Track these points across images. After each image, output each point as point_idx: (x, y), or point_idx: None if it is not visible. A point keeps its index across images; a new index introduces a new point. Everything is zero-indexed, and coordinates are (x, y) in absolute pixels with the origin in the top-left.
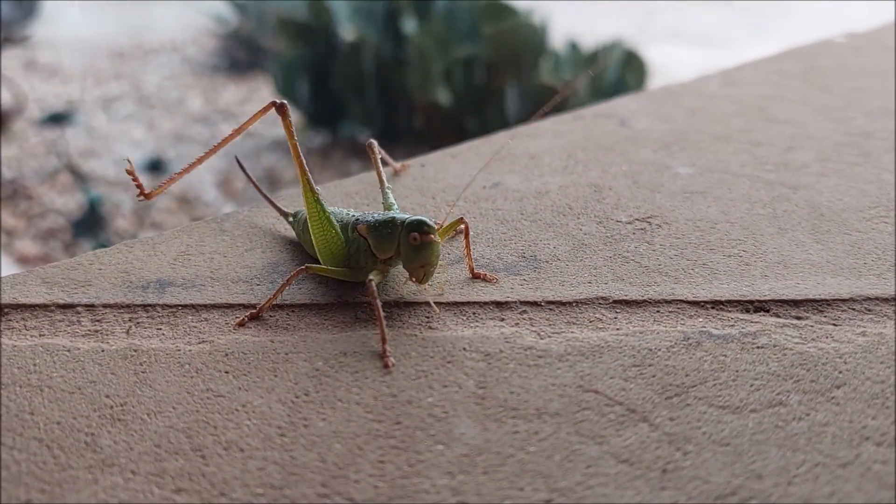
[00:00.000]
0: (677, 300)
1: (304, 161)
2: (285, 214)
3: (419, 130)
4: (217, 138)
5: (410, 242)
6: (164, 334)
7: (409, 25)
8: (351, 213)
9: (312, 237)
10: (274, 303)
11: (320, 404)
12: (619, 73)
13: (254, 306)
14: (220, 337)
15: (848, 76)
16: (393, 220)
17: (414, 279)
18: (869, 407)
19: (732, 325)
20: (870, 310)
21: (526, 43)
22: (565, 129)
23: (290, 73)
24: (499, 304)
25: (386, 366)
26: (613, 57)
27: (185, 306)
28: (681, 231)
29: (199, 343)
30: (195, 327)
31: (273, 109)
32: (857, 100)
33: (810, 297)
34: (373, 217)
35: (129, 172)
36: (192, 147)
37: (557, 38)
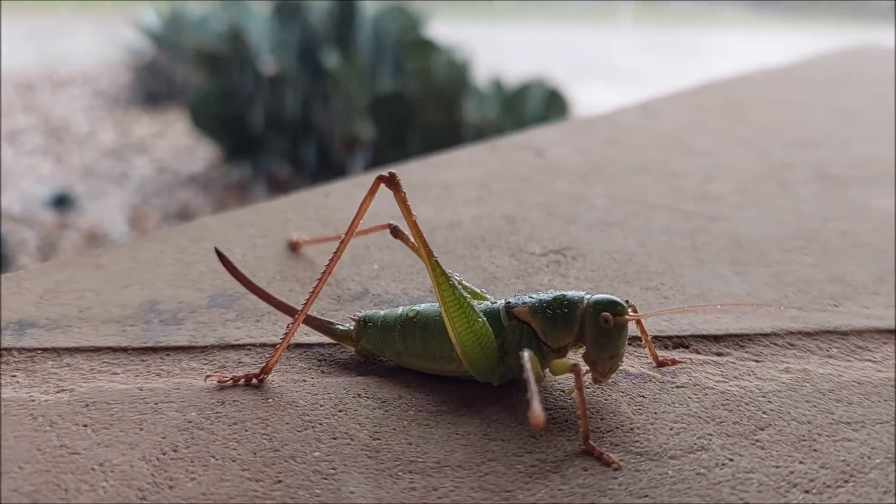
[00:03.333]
0: None
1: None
2: (344, 337)
3: (341, 165)
4: (128, 173)
5: (602, 325)
6: (18, 382)
7: (332, 59)
8: (474, 301)
9: (456, 338)
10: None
11: (190, 461)
12: (541, 110)
13: (124, 349)
14: (82, 385)
15: (764, 109)
16: (566, 299)
17: (596, 373)
18: (796, 450)
19: (651, 363)
20: (792, 344)
21: (449, 79)
22: (480, 160)
23: (207, 107)
24: None
25: (609, 462)
26: (535, 95)
27: (45, 350)
28: (596, 263)
29: (58, 392)
30: (55, 374)
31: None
32: (774, 132)
33: (731, 331)
34: (530, 297)
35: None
36: (102, 182)
37: (481, 76)
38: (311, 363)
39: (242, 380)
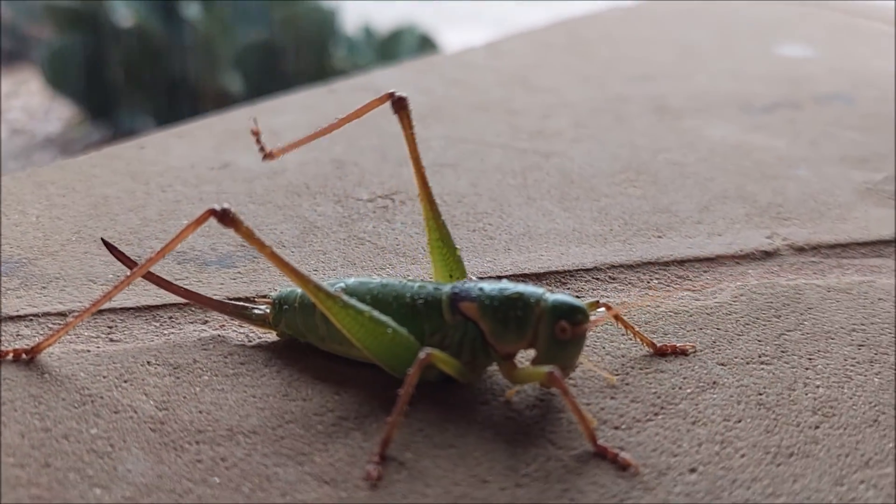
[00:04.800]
0: None
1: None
2: (261, 322)
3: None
4: None
5: (557, 335)
6: None
7: (192, 9)
8: (413, 284)
9: (362, 347)
10: (399, 420)
11: None
12: (413, 56)
13: None
14: None
15: (609, 46)
16: (522, 299)
17: (541, 383)
18: (608, 386)
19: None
20: (614, 278)
21: (317, 27)
22: (315, 103)
23: (61, 64)
24: None
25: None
26: (407, 41)
27: None
28: None
29: None
30: None
31: None
32: (616, 68)
33: (553, 268)
34: (480, 290)
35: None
36: None
37: (351, 23)
38: (98, 331)
39: (11, 355)
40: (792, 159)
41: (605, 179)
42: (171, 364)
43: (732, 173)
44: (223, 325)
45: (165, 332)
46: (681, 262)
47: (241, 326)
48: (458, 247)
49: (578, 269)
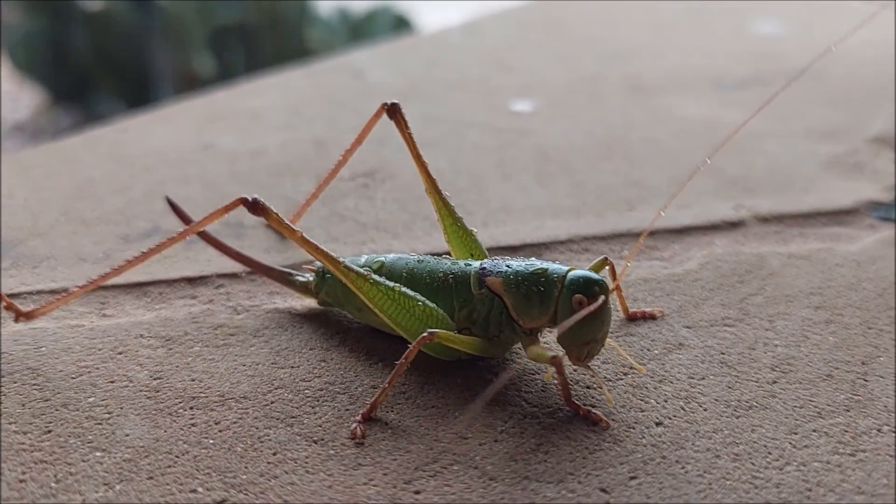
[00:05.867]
0: None
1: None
2: (304, 289)
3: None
4: None
5: (575, 309)
6: None
7: None
8: (447, 261)
9: (393, 323)
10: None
11: None
12: (389, 38)
13: None
14: None
15: (584, 25)
16: (545, 274)
17: (573, 357)
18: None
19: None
20: (587, 249)
21: (291, 9)
22: (294, 85)
23: (29, 48)
24: (191, 281)
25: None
26: (382, 22)
27: None
28: (405, 184)
29: None
30: None
31: None
32: (591, 46)
33: (528, 241)
34: (507, 266)
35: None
36: None
37: (325, 5)
38: (91, 307)
39: (13, 312)
40: (761, 134)
41: (580, 156)
42: (162, 336)
43: (703, 148)
44: (211, 301)
45: (156, 307)
46: (651, 233)
47: (229, 301)
48: (473, 228)
49: (553, 241)
